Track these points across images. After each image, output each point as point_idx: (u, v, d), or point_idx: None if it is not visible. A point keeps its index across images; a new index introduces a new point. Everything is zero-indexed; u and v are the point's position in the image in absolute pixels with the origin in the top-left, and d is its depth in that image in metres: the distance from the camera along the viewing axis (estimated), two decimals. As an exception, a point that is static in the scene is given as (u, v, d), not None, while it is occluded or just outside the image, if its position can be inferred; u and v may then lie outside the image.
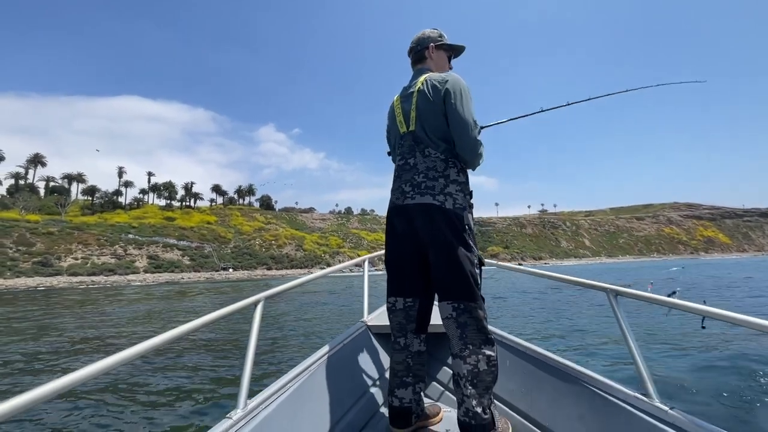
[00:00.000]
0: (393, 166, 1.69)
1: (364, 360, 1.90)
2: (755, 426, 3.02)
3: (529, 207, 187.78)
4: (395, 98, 1.66)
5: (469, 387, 1.33)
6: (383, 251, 1.64)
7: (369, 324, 2.14)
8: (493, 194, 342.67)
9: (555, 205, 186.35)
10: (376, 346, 2.07)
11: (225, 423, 1.09)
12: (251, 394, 1.23)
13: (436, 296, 1.52)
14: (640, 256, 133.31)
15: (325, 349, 1.72)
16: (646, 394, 1.26)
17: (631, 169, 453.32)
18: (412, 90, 1.57)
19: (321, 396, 1.50)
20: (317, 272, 1.88)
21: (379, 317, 2.26)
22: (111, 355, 0.80)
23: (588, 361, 4.88)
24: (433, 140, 1.50)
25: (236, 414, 1.14)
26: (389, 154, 1.80)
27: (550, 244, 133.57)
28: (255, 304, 1.35)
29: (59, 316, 14.27)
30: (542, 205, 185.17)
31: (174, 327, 1.00)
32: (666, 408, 1.19)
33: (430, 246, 1.45)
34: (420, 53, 1.66)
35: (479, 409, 1.32)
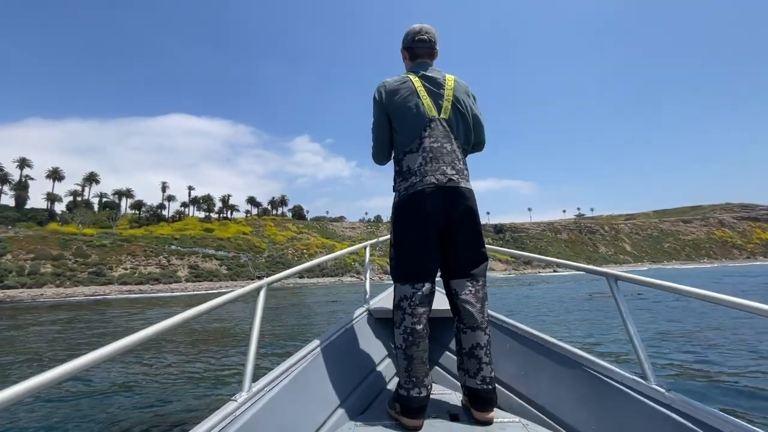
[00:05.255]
0: None
1: (367, 344, 1.94)
2: (751, 408, 3.06)
3: (564, 212, 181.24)
4: (412, 77, 1.66)
5: (489, 355, 1.48)
6: (384, 237, 1.87)
7: (371, 309, 2.18)
8: (527, 199, 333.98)
9: (592, 209, 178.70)
10: (379, 330, 2.11)
11: (230, 405, 1.10)
12: (255, 378, 1.25)
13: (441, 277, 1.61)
14: (688, 261, 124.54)
15: (329, 333, 1.75)
16: (644, 377, 1.28)
17: (676, 170, 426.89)
18: (439, 79, 1.65)
19: (324, 379, 1.52)
20: (319, 258, 2.01)
21: (382, 302, 2.30)
22: (118, 341, 0.80)
23: (587, 346, 4.97)
24: (459, 132, 1.63)
25: (241, 396, 1.15)
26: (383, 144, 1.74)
27: (587, 250, 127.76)
28: (258, 290, 1.38)
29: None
30: (578, 209, 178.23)
31: (181, 312, 1.01)
32: (663, 390, 1.21)
33: (461, 226, 1.54)
34: (435, 50, 1.75)
35: (493, 374, 1.47)
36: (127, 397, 4.34)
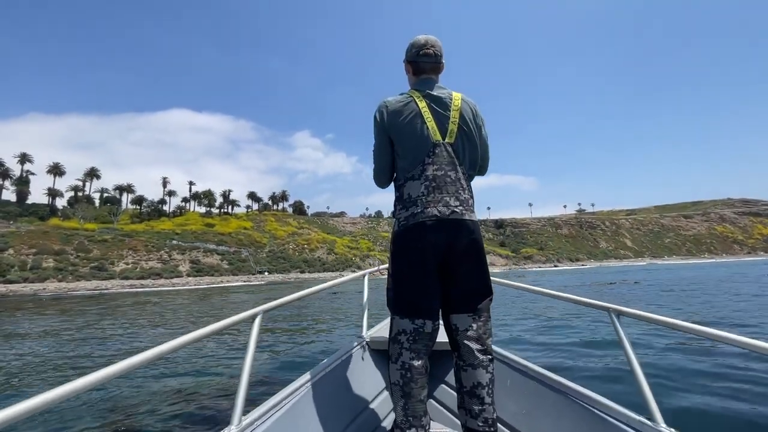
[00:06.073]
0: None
1: (363, 377, 1.87)
2: None
3: (565, 207, 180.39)
4: (416, 97, 1.53)
5: (491, 395, 1.38)
6: (384, 266, 1.82)
7: (368, 340, 2.12)
8: (528, 194, 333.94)
9: (593, 205, 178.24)
10: (375, 362, 2.03)
11: None
12: (246, 410, 1.20)
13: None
14: (688, 256, 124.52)
15: (323, 364, 1.70)
16: (651, 418, 1.22)
17: (678, 165, 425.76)
18: (445, 100, 1.52)
19: (318, 413, 1.46)
20: (317, 286, 1.90)
21: (379, 332, 2.23)
22: (101, 369, 0.77)
23: (589, 381, 4.84)
24: (465, 158, 1.52)
25: (231, 430, 1.11)
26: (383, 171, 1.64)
27: (587, 245, 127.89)
28: (253, 317, 1.32)
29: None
30: (579, 204, 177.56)
31: (170, 339, 0.98)
32: None
33: (464, 259, 1.46)
34: (440, 64, 1.62)
35: (495, 415, 1.38)
36: (99, 423, 4.05)
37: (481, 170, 1.69)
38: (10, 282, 50.15)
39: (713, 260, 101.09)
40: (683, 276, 28.20)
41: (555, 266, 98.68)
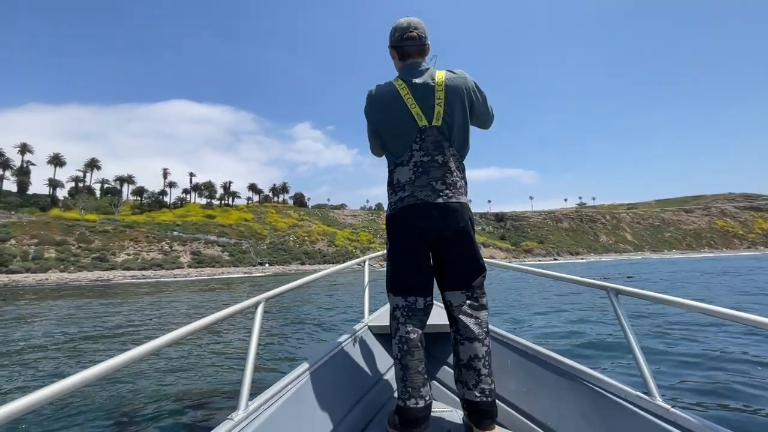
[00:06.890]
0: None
1: (366, 361, 1.92)
2: (760, 424, 2.97)
3: (565, 200, 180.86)
4: (400, 85, 1.53)
5: (488, 366, 1.43)
6: (383, 252, 1.87)
7: (370, 324, 2.17)
8: (529, 187, 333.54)
9: (594, 198, 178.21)
10: (378, 346, 2.09)
11: (227, 424, 1.09)
12: (253, 396, 1.23)
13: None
14: (688, 250, 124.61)
15: (327, 349, 1.74)
16: (648, 393, 1.25)
17: (679, 160, 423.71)
18: (429, 83, 1.51)
19: (323, 397, 1.50)
20: (317, 273, 1.92)
21: (380, 317, 2.27)
22: (110, 359, 0.79)
23: (588, 359, 4.92)
24: (456, 138, 1.53)
25: (238, 415, 1.14)
26: (376, 150, 1.73)
27: (588, 239, 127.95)
28: (256, 305, 1.35)
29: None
30: (580, 198, 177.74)
31: (175, 329, 1.00)
32: (668, 406, 1.18)
33: (453, 241, 1.49)
34: (425, 45, 1.60)
35: (493, 387, 1.42)
36: (109, 418, 4.06)
37: (484, 124, 1.69)
38: (13, 272, 50.38)
39: (713, 254, 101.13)
40: (679, 269, 28.50)
41: (555, 260, 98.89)
